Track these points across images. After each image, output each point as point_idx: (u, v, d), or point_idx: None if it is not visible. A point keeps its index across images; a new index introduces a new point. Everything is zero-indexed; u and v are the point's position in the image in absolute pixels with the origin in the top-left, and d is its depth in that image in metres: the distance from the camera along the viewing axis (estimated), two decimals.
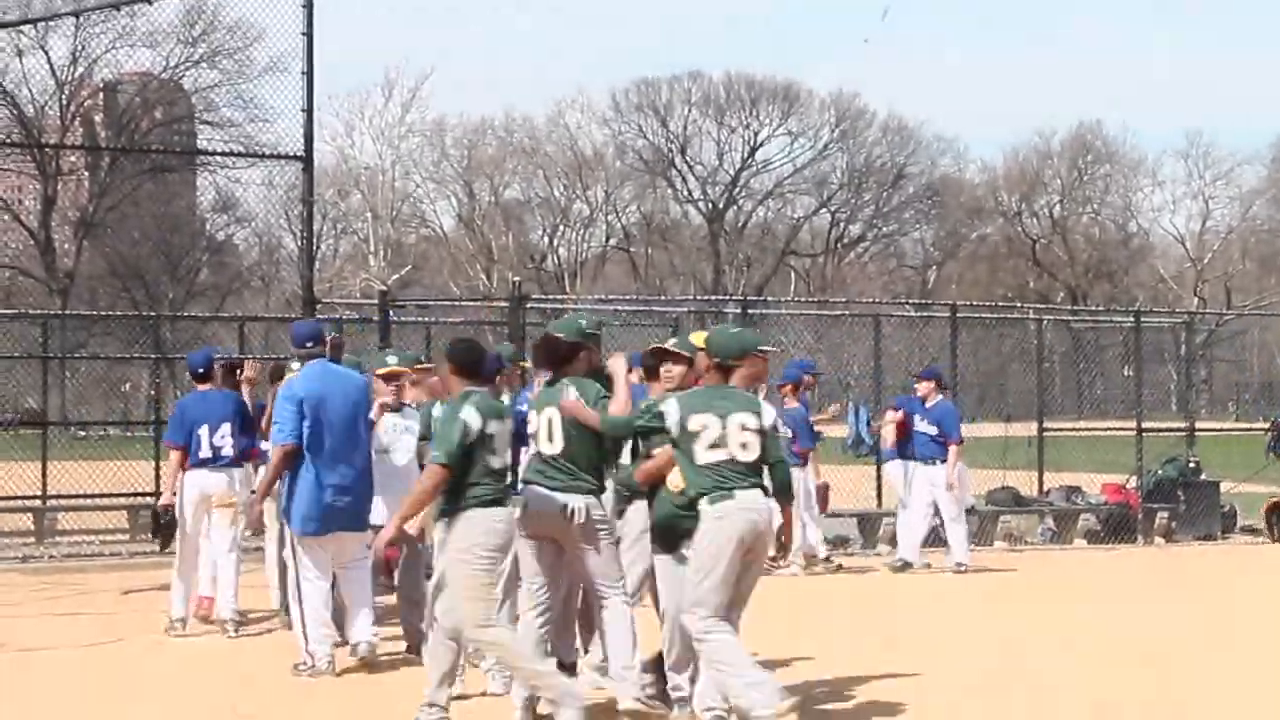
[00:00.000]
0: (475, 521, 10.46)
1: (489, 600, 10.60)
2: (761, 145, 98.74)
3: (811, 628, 15.74)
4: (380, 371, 13.81)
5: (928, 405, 21.43)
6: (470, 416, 10.45)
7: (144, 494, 25.98)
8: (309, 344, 13.95)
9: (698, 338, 11.28)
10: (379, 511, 13.32)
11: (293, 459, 13.26)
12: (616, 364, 11.18)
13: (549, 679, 10.61)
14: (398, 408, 13.77)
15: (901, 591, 19.50)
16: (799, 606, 17.29)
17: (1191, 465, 26.80)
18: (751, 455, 10.35)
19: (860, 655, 14.12)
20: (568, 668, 11.48)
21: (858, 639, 14.89)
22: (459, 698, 11.67)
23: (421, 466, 11.74)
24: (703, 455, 10.31)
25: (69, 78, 68.68)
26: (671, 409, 10.44)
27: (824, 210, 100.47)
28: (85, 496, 26.53)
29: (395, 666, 13.30)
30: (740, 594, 10.35)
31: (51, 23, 51.98)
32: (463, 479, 10.44)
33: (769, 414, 10.60)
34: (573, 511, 10.79)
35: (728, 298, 49.64)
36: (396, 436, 13.65)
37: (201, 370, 15.87)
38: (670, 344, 11.48)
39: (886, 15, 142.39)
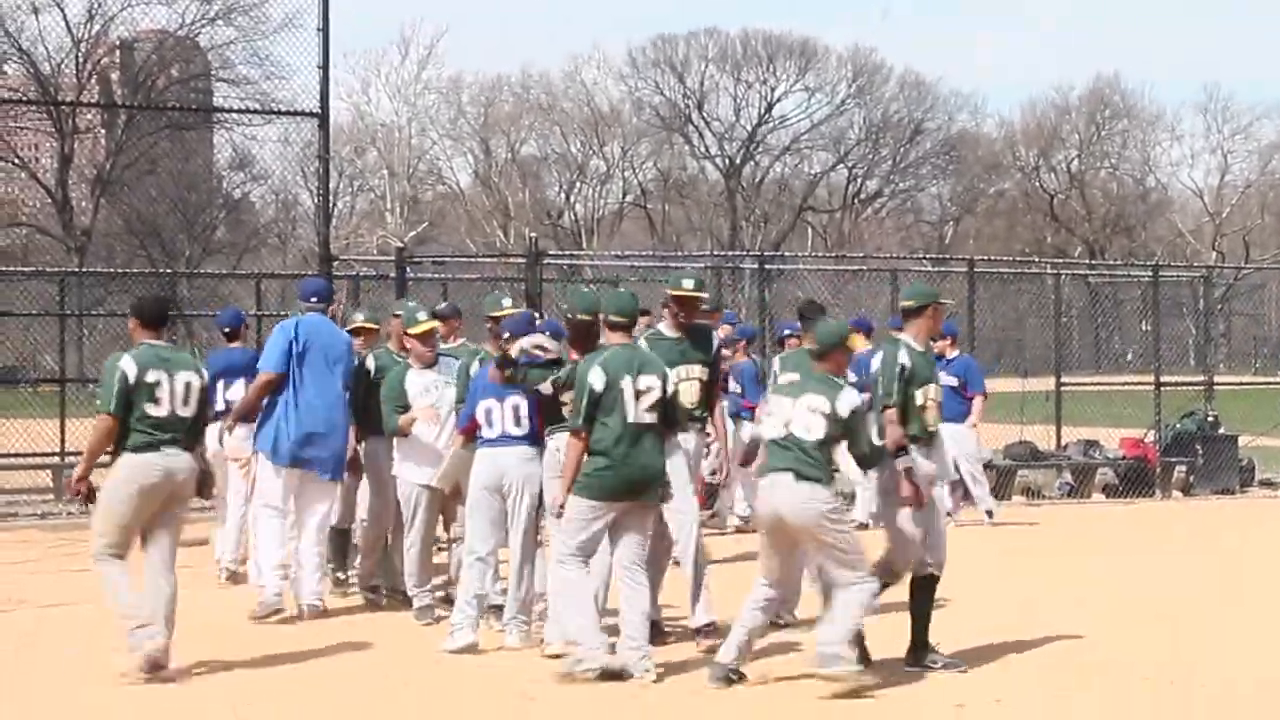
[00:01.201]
0: (126, 464, 11.40)
1: (112, 537, 11.43)
2: (778, 101, 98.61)
3: None
4: (414, 331, 13.90)
5: (948, 359, 21.38)
6: (128, 366, 11.35)
7: None
8: (314, 299, 14.52)
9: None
10: (423, 472, 13.48)
11: (270, 388, 14.04)
12: None
13: None
14: (432, 364, 13.81)
15: None
16: None
17: (1210, 419, 26.75)
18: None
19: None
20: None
21: None
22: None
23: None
24: None
25: (85, 35, 68.43)
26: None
27: (841, 166, 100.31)
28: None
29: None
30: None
31: None
32: (124, 425, 11.39)
33: None
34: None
35: (745, 254, 49.58)
36: (439, 394, 13.63)
37: (228, 330, 16.42)
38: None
39: (885, 16, 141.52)
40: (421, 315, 14.14)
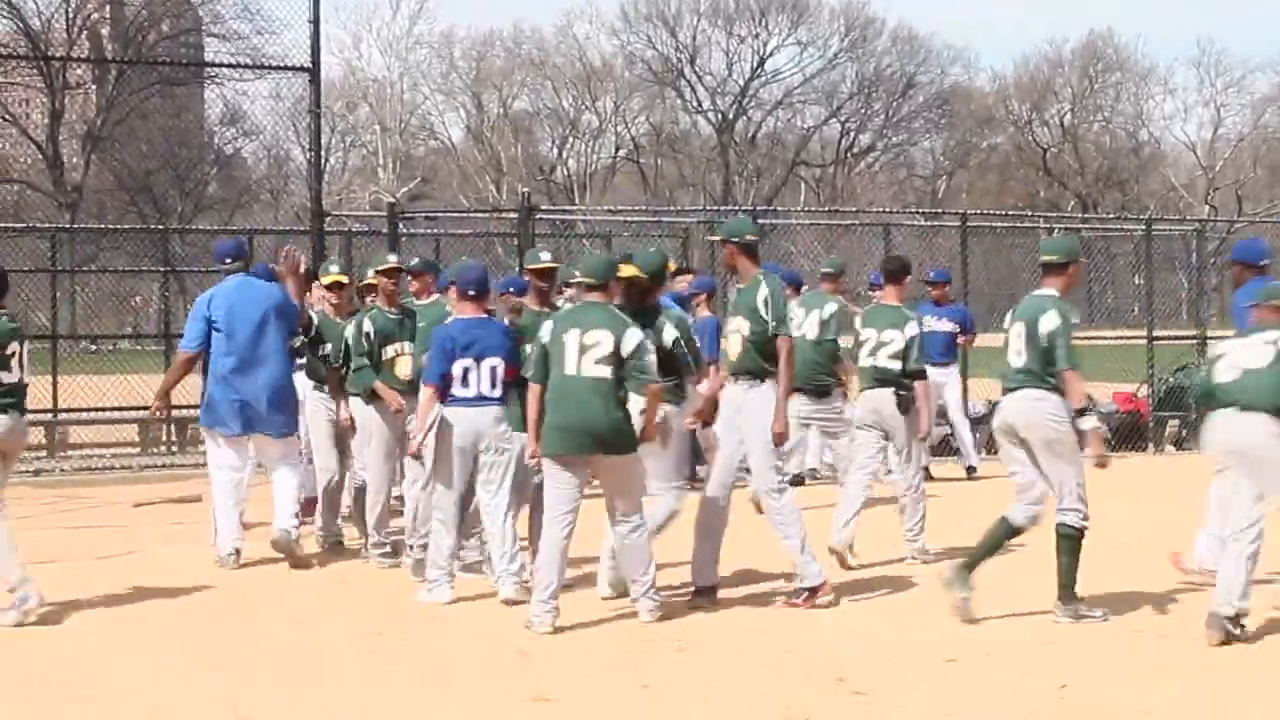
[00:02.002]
0: None
1: None
2: (771, 55, 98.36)
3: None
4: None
5: (942, 305, 21.39)
6: None
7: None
8: (227, 260, 14.94)
9: None
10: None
11: (190, 366, 14.94)
12: None
13: None
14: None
15: None
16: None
17: (1203, 375, 26.70)
18: None
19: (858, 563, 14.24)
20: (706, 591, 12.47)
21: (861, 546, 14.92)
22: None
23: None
24: None
25: None
26: None
27: (834, 120, 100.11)
28: (96, 410, 26.61)
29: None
30: None
31: None
32: None
33: None
34: None
35: (737, 208, 49.45)
36: None
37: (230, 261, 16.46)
38: None
39: None
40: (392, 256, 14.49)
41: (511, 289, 13.77)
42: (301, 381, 15.20)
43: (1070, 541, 11.79)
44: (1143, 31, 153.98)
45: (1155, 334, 26.72)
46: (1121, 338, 29.94)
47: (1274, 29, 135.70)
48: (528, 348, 12.40)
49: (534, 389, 11.81)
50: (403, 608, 12.55)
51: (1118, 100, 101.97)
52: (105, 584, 13.72)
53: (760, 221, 27.01)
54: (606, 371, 11.63)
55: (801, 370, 14.55)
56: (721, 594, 12.75)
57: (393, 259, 14.70)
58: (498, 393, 12.60)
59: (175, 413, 25.31)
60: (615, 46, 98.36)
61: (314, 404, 15.12)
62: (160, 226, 41.42)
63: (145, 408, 26.10)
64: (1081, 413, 11.75)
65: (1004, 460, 12.36)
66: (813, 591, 12.28)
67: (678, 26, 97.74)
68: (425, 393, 12.73)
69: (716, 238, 13.32)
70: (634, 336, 11.69)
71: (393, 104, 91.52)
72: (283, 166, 77.02)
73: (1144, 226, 29.73)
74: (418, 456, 13.04)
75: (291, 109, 49.57)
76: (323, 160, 25.72)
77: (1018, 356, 11.95)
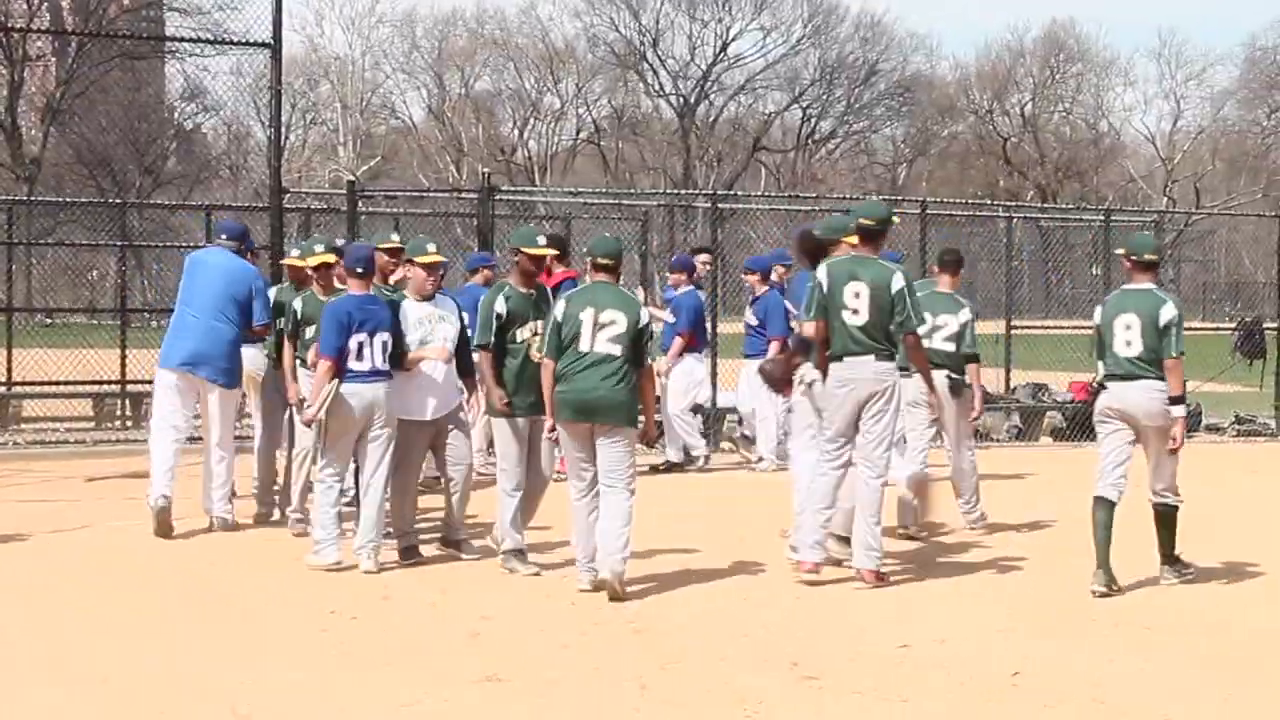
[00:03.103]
0: None
1: None
2: (734, 40, 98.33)
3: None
4: (420, 260, 13.84)
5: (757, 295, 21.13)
6: None
7: (109, 381, 26.00)
8: (222, 236, 15.82)
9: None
10: (427, 405, 13.52)
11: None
12: None
13: None
14: (430, 297, 13.76)
15: None
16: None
17: None
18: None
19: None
20: None
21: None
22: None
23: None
24: None
25: None
26: None
27: (795, 106, 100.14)
28: (51, 384, 26.47)
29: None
30: None
31: None
32: None
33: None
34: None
35: (698, 192, 49.46)
36: (432, 327, 13.62)
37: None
38: None
39: None
40: (430, 246, 14.00)
41: (482, 265, 14.16)
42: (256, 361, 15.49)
43: (1169, 517, 12.87)
44: (1104, 21, 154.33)
45: None
46: (1078, 327, 29.98)
47: (1235, 22, 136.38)
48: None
49: (547, 364, 12.33)
50: (356, 587, 12.53)
51: (1078, 91, 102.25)
52: (57, 558, 13.69)
53: (720, 206, 27.09)
54: (618, 349, 12.15)
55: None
56: (679, 575, 12.86)
57: (395, 238, 14.44)
58: (388, 366, 13.11)
59: (129, 388, 25.36)
60: (578, 28, 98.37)
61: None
62: (118, 200, 41.19)
63: (100, 382, 26.16)
64: (1176, 400, 12.63)
65: (1104, 439, 12.91)
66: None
67: (641, 9, 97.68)
68: (322, 365, 13.08)
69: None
70: (645, 316, 12.41)
71: (354, 82, 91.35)
72: (243, 143, 76.73)
73: (1103, 217, 29.82)
74: (310, 425, 13.47)
75: (252, 85, 49.49)
76: (283, 137, 25.67)
77: (1128, 347, 12.62)
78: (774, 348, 19.54)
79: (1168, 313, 12.54)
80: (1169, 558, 12.87)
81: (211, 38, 39.09)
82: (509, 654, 10.31)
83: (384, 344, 13.09)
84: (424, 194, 45.90)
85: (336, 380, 12.93)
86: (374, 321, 13.08)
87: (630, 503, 12.19)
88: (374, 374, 13.03)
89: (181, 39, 65.71)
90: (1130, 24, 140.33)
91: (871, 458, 12.71)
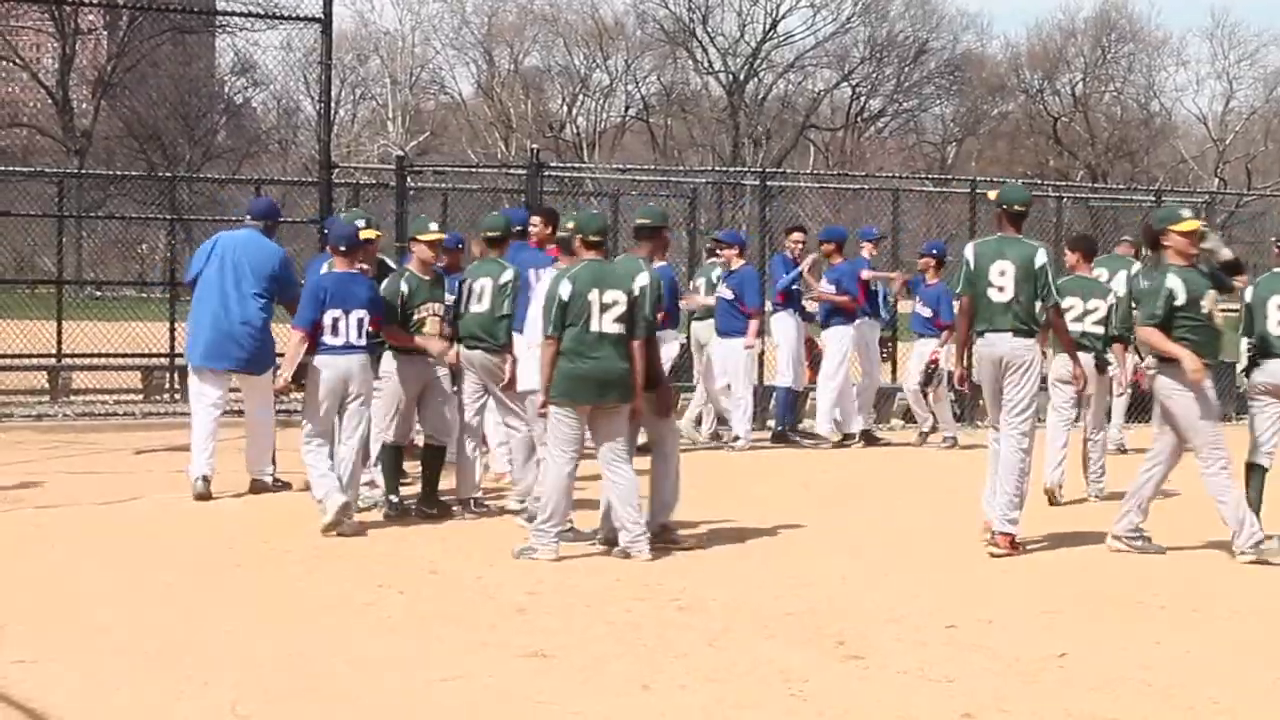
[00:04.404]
0: None
1: None
2: (783, 17, 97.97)
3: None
4: (423, 238, 14.36)
5: (928, 284, 21.33)
6: None
7: (158, 355, 26.11)
8: (248, 216, 16.33)
9: None
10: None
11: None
12: None
13: None
14: (437, 273, 14.68)
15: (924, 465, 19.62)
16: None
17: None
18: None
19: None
20: None
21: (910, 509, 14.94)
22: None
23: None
24: None
25: None
26: None
27: (844, 84, 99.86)
28: (100, 356, 26.61)
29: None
30: None
31: None
32: None
33: None
34: None
35: (746, 170, 49.33)
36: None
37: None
38: None
39: None
40: (433, 225, 14.85)
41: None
42: None
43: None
44: (1157, 1, 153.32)
45: None
46: None
47: None
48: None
49: (549, 343, 12.56)
50: (403, 561, 12.57)
51: (1130, 71, 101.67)
52: (105, 529, 13.76)
53: (769, 184, 27.04)
54: (622, 328, 12.53)
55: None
56: (724, 552, 12.91)
57: (434, 227, 14.90)
58: (363, 341, 13.80)
59: (178, 361, 25.49)
60: (628, 4, 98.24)
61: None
62: (168, 174, 41.29)
63: (149, 355, 26.28)
64: None
65: (1257, 414, 13.75)
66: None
67: None
68: (295, 336, 13.83)
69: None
70: (638, 286, 12.62)
71: (404, 57, 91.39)
72: (292, 117, 76.91)
73: (1153, 198, 29.67)
74: (283, 393, 14.55)
75: (302, 60, 49.34)
76: (332, 112, 25.69)
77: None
78: (753, 326, 19.94)
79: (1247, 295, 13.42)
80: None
81: (262, 12, 39.12)
82: (554, 629, 10.32)
83: (359, 320, 13.74)
84: (473, 169, 45.84)
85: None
86: (351, 298, 13.75)
87: (633, 476, 12.71)
88: (347, 348, 13.76)
89: (232, 13, 65.85)
90: (1183, 3, 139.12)
91: (1013, 425, 13.20)
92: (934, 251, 21.57)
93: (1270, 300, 13.57)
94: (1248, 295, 13.80)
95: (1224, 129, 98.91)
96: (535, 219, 16.49)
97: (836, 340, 20.93)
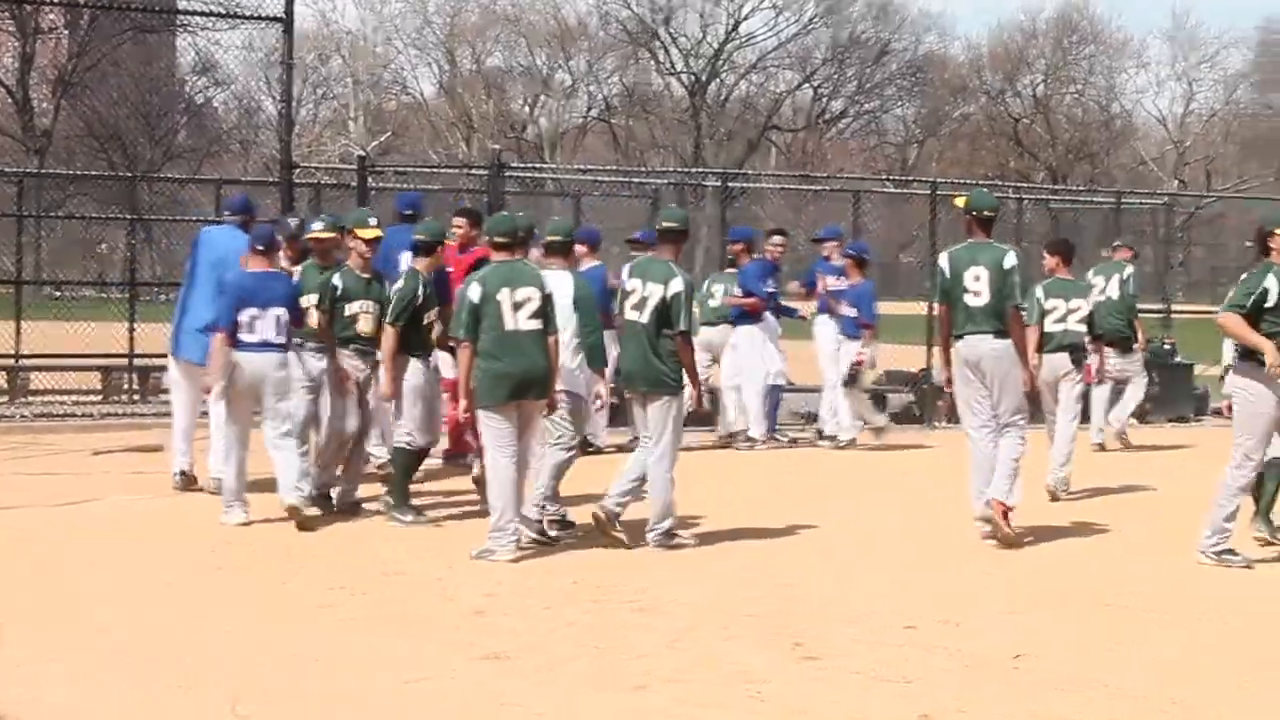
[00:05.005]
0: None
1: None
2: (746, 18, 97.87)
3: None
4: (362, 234, 14.58)
5: (852, 284, 21.11)
6: None
7: (117, 355, 26.00)
8: (226, 212, 16.74)
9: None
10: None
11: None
12: None
13: None
14: (367, 269, 14.71)
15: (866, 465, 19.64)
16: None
17: (1167, 347, 26.75)
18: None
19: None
20: None
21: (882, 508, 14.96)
22: (421, 556, 11.76)
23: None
24: None
25: None
26: None
27: (806, 85, 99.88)
28: (59, 356, 26.45)
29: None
30: None
31: None
32: None
33: None
34: None
35: (707, 171, 49.40)
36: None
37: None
38: None
39: None
40: (372, 220, 14.96)
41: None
42: None
43: None
44: (1117, 3, 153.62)
45: None
46: None
47: (1249, 4, 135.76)
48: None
49: (466, 346, 12.78)
50: (363, 562, 12.55)
51: (1090, 73, 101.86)
52: (62, 531, 13.71)
53: (730, 185, 27.08)
54: (538, 324, 12.75)
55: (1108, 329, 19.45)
56: (685, 552, 12.98)
57: (373, 223, 14.92)
58: (281, 339, 13.97)
59: (137, 361, 25.39)
60: (590, 5, 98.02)
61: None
62: (129, 174, 41.17)
63: (108, 355, 26.16)
64: None
65: None
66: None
67: None
68: (217, 338, 13.98)
69: None
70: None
71: (365, 57, 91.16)
72: (253, 117, 76.60)
73: (1114, 200, 29.77)
74: (207, 392, 14.53)
75: (264, 59, 49.38)
76: (293, 112, 25.66)
77: None
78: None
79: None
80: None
81: (224, 11, 39.02)
82: (514, 631, 10.32)
83: (277, 318, 13.89)
84: (434, 170, 45.84)
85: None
86: (268, 296, 13.91)
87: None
88: (264, 345, 13.90)
89: (194, 12, 65.64)
90: (1144, 5, 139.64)
91: (1011, 428, 13.72)
92: (853, 253, 21.35)
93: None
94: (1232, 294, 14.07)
95: (1184, 131, 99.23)
96: (459, 220, 16.47)
97: (747, 341, 20.88)
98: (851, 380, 20.70)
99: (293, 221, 16.60)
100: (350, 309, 14.42)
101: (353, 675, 9.21)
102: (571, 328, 13.39)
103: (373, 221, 14.76)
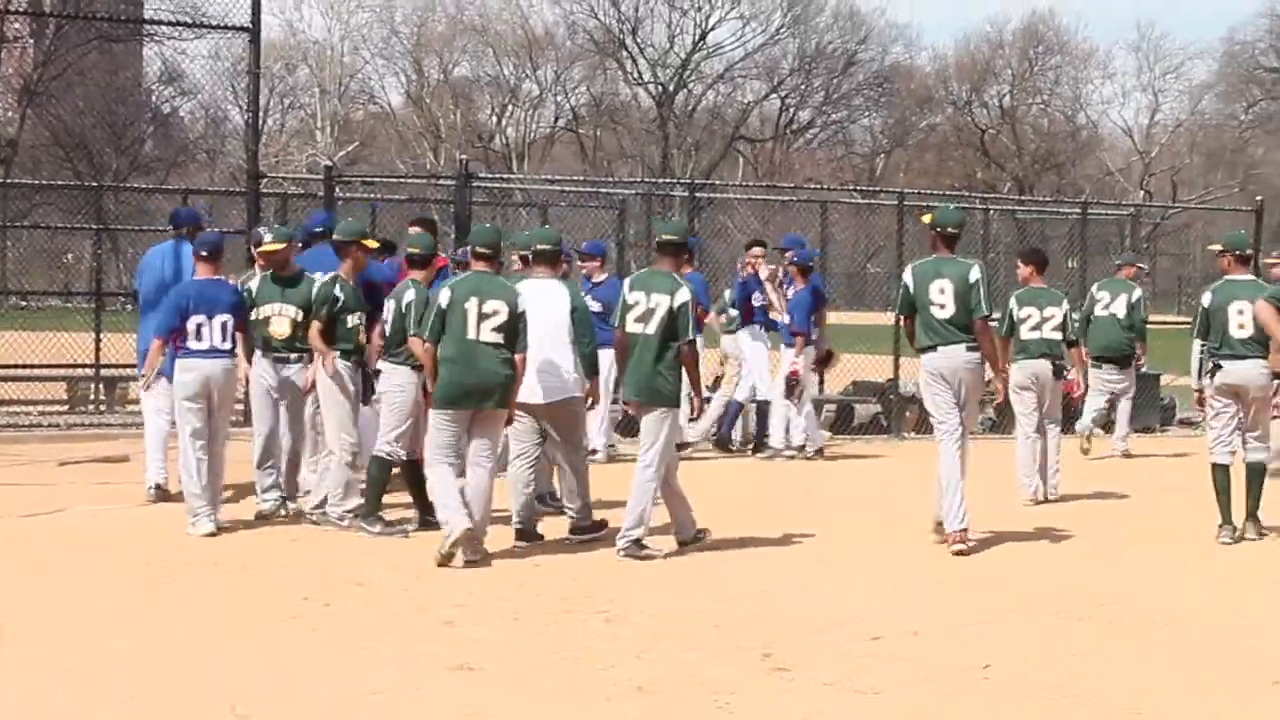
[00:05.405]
0: None
1: None
2: (713, 29, 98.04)
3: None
4: (261, 249, 15.10)
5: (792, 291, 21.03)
6: None
7: (83, 365, 25.91)
8: (173, 225, 16.57)
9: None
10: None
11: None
12: None
13: None
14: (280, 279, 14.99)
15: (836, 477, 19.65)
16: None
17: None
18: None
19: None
20: None
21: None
22: (387, 566, 11.72)
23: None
24: None
25: None
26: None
27: (774, 95, 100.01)
28: (24, 367, 26.35)
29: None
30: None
31: None
32: None
33: None
34: None
35: (675, 181, 49.45)
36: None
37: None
38: None
39: None
40: (268, 237, 15.29)
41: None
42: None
43: (1262, 475, 14.52)
44: (1084, 14, 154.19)
45: None
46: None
47: (1214, 16, 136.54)
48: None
49: (428, 348, 12.98)
50: (329, 572, 12.52)
51: (1057, 83, 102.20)
52: (28, 543, 13.66)
53: (698, 195, 27.08)
54: (500, 337, 12.92)
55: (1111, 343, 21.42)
56: (654, 563, 13.00)
57: (269, 239, 15.25)
58: (228, 345, 14.08)
59: (103, 371, 25.29)
60: (558, 15, 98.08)
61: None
62: (95, 184, 41.06)
63: (74, 365, 26.07)
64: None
65: (1220, 414, 14.60)
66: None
67: None
68: (154, 344, 14.37)
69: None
70: (521, 304, 13.04)
71: (332, 67, 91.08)
72: (220, 127, 76.56)
73: (1080, 210, 29.83)
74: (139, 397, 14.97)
75: (230, 69, 49.23)
76: (260, 121, 25.61)
77: (1241, 330, 14.36)
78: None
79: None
80: (1255, 514, 14.45)
81: (190, 21, 38.94)
82: (482, 642, 10.31)
83: (223, 325, 14.02)
84: (401, 180, 45.83)
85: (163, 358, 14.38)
86: (213, 304, 14.03)
87: (492, 478, 13.14)
88: (211, 352, 14.02)
89: (160, 22, 65.45)
90: (1109, 17, 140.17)
91: (967, 431, 13.99)
92: (798, 261, 21.20)
93: (1230, 305, 14.42)
94: (1205, 301, 14.72)
95: (1149, 142, 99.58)
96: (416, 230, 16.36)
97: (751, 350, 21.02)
98: (790, 391, 20.59)
99: (263, 231, 16.55)
100: (262, 311, 14.76)
101: (320, 686, 9.18)
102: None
103: (268, 238, 15.17)
